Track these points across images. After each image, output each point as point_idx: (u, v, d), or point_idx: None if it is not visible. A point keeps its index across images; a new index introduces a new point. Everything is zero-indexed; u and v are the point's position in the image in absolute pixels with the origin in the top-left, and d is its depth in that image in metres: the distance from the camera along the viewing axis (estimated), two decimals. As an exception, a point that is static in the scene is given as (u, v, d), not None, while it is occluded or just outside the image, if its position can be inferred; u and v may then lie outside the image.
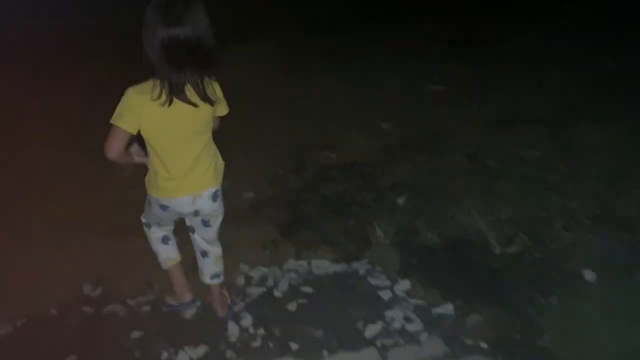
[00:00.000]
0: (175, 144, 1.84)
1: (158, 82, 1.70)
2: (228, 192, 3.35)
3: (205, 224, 2.09)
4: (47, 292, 2.52)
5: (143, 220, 2.23)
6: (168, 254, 2.29)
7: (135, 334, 2.26)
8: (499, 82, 4.78)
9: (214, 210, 2.04)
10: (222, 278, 2.30)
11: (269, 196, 3.30)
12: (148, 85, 1.72)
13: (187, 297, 2.38)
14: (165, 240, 2.25)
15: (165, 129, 1.79)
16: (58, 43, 5.93)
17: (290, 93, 4.87)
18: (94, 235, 2.92)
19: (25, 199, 3.28)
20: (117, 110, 1.74)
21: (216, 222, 2.12)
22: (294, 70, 5.35)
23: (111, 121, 1.74)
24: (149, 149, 1.88)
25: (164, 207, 1.99)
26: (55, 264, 2.71)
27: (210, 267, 2.24)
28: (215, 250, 2.23)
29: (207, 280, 2.27)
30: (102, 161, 1.82)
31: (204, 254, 2.22)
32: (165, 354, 2.16)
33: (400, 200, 3.12)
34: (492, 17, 6.59)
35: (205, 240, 2.17)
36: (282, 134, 4.12)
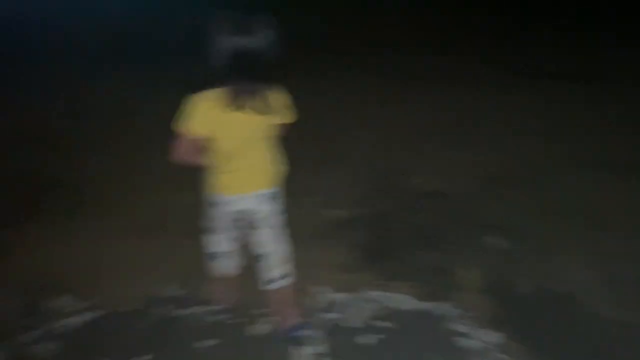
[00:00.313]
0: (235, 147, 1.95)
1: (224, 89, 1.83)
2: (311, 208, 3.35)
3: (261, 225, 2.12)
4: (133, 287, 2.58)
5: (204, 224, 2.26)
6: (219, 267, 2.30)
7: (210, 342, 2.24)
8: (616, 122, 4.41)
9: (269, 211, 2.11)
10: (282, 283, 2.21)
11: (353, 217, 3.21)
12: (212, 92, 1.85)
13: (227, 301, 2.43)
14: (212, 257, 2.28)
15: (228, 133, 1.91)
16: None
17: (386, 113, 4.78)
18: (184, 236, 2.97)
19: (120, 196, 3.41)
20: (183, 115, 1.86)
21: (273, 224, 2.14)
22: (390, 87, 5.25)
23: (176, 126, 1.87)
24: (210, 152, 1.97)
25: (213, 204, 2.10)
26: (144, 261, 2.77)
27: (264, 273, 2.21)
28: (274, 251, 2.17)
29: (265, 285, 2.24)
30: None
31: (259, 258, 2.20)
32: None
33: (496, 241, 2.91)
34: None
35: (263, 242, 2.16)
36: (375, 153, 4.02)
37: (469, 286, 2.58)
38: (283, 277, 2.21)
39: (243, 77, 1.82)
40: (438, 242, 2.93)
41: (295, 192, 3.45)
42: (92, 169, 3.76)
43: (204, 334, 2.29)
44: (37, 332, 2.30)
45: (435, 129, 4.43)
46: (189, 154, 1.94)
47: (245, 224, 2.15)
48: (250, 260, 2.31)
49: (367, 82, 5.54)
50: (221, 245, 2.22)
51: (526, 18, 8.37)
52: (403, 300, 2.49)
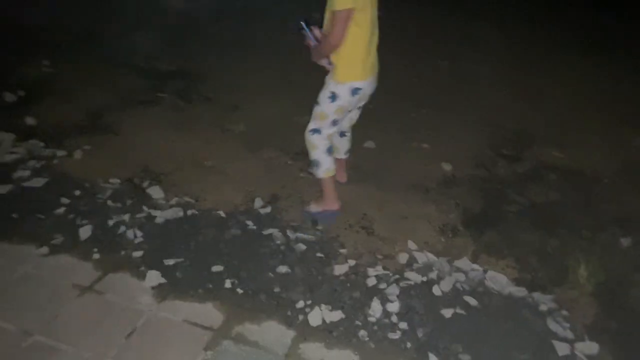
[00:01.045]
0: (370, 24, 2.12)
1: None
2: (425, 157, 3.14)
3: (360, 107, 2.45)
4: (222, 194, 2.59)
5: (313, 127, 2.35)
6: (329, 165, 2.44)
7: (282, 269, 2.20)
8: None
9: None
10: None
11: (467, 176, 2.94)
12: None
13: (337, 205, 2.52)
14: (329, 151, 2.41)
15: (368, 8, 2.07)
16: None
17: (531, 73, 4.28)
18: (287, 157, 2.94)
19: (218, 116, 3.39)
20: None
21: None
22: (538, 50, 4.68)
23: (339, 7, 1.97)
24: (352, 30, 2.07)
25: (356, 91, 2.22)
26: (240, 172, 2.77)
27: (346, 145, 2.65)
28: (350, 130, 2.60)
29: (342, 155, 2.67)
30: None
31: (343, 134, 2.60)
32: (300, 303, 2.05)
33: (625, 242, 2.51)
34: None
35: (352, 120, 2.54)
36: (508, 115, 3.64)
37: (575, 282, 2.26)
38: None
39: None
40: (553, 224, 2.60)
41: (412, 136, 3.27)
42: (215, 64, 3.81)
43: (281, 259, 2.25)
44: (127, 217, 2.39)
45: (589, 104, 3.89)
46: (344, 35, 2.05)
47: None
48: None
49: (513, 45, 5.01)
50: (329, 145, 2.40)
51: None
52: (497, 280, 2.25)
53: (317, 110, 2.30)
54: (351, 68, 2.16)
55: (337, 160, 2.56)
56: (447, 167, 3.01)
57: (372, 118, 3.45)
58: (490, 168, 3.03)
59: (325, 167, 2.42)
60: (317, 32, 2.20)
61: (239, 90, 3.60)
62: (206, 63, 3.90)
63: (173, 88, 3.55)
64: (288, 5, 3.12)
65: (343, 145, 2.64)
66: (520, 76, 4.35)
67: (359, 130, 3.03)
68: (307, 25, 2.18)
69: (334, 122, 2.32)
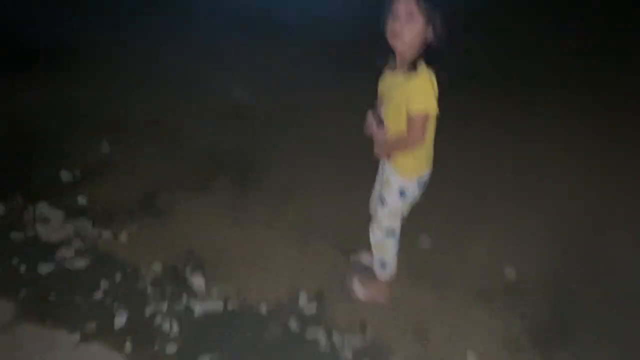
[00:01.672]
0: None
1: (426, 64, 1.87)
2: (488, 257, 2.92)
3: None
4: (266, 288, 2.46)
5: (387, 227, 2.23)
6: (395, 269, 2.38)
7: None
8: None
9: None
10: None
11: (534, 281, 2.69)
12: (425, 67, 1.87)
13: (386, 300, 2.46)
14: (397, 253, 2.34)
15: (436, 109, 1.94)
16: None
17: (608, 153, 4.04)
18: (333, 246, 2.79)
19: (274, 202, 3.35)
20: (423, 98, 1.86)
21: None
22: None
23: (421, 111, 1.87)
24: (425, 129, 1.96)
25: (423, 183, 2.15)
26: (287, 265, 2.66)
27: None
28: None
29: None
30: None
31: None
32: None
33: None
34: None
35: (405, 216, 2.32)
36: (581, 204, 3.37)
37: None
38: None
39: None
40: (631, 332, 2.28)
41: (472, 232, 3.07)
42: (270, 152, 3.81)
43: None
44: (165, 306, 2.28)
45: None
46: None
47: None
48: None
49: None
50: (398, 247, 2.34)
51: None
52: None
53: (385, 211, 2.19)
54: (419, 162, 2.10)
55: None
56: (511, 269, 2.76)
57: (427, 211, 3.29)
58: (561, 271, 2.76)
59: (392, 271, 2.39)
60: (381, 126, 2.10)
61: (295, 176, 3.53)
62: (265, 151, 3.90)
63: (228, 174, 3.54)
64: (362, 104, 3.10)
65: None
66: (596, 157, 4.07)
67: (412, 226, 2.85)
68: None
69: (402, 219, 2.26)
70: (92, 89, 4.62)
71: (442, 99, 1.89)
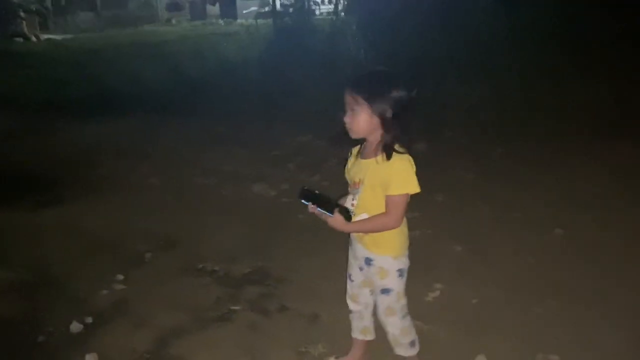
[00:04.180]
0: None
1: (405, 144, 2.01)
2: None
3: None
4: None
5: (401, 313, 2.27)
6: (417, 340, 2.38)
7: None
8: None
9: None
10: None
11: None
12: (402, 149, 2.00)
13: None
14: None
15: None
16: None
17: None
18: None
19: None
20: (405, 180, 1.98)
21: None
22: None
23: (404, 191, 1.99)
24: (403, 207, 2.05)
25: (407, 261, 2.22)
26: None
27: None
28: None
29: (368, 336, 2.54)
30: None
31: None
32: None
33: None
34: None
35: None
36: None
37: None
38: None
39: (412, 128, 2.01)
40: None
41: (537, 346, 2.65)
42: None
43: None
44: None
45: None
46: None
47: None
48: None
49: None
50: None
51: None
52: None
53: (392, 297, 2.22)
54: (405, 236, 2.19)
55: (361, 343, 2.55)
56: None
57: (481, 321, 2.91)
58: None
59: (418, 343, 2.38)
60: (349, 203, 2.16)
61: (322, 295, 3.24)
62: (288, 263, 3.64)
63: (249, 297, 3.27)
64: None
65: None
66: None
67: (466, 338, 2.71)
68: (311, 195, 2.13)
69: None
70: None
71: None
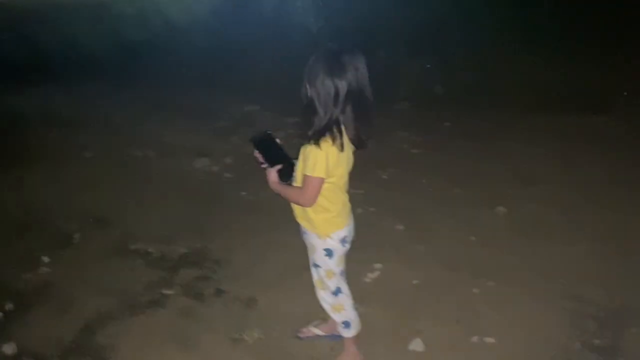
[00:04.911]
0: (346, 172, 2.12)
1: (334, 131, 1.96)
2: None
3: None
4: None
5: (332, 289, 2.30)
6: (357, 320, 2.41)
7: None
8: None
9: None
10: None
11: None
12: (326, 137, 1.96)
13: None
14: (353, 305, 2.40)
15: (342, 170, 2.08)
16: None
17: (618, 214, 3.69)
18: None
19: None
20: (314, 163, 1.97)
21: None
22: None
23: (309, 173, 1.99)
24: (327, 186, 2.06)
25: (344, 240, 2.22)
26: None
27: None
28: None
29: None
30: None
31: None
32: None
33: None
34: None
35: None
36: (594, 282, 3.04)
37: None
38: None
39: (359, 115, 1.98)
40: None
41: (473, 326, 2.74)
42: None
43: None
44: None
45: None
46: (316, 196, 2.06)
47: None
48: None
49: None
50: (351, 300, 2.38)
51: None
52: None
53: (321, 273, 2.28)
54: (332, 220, 2.18)
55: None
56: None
57: (419, 301, 2.92)
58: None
59: (356, 323, 2.41)
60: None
61: (260, 277, 3.17)
62: (227, 244, 3.54)
63: (183, 281, 3.17)
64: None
65: None
66: (604, 221, 3.72)
67: (403, 321, 2.73)
68: (265, 142, 2.13)
69: (342, 273, 2.31)
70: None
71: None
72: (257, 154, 2.14)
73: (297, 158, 2.16)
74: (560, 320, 2.80)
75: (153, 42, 8.49)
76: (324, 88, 1.92)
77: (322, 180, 2.01)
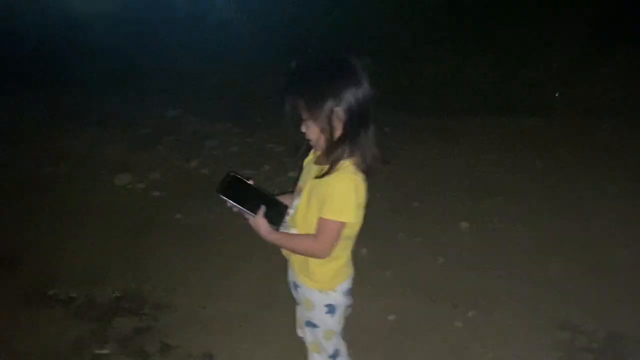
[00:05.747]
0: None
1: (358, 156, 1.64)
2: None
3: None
4: None
5: (329, 352, 1.92)
6: None
7: None
8: None
9: None
10: None
11: None
12: (352, 167, 1.63)
13: None
14: None
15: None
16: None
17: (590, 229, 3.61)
18: None
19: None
20: (340, 205, 1.61)
21: None
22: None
23: (336, 218, 1.61)
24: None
25: (348, 293, 1.87)
26: None
27: None
28: None
29: None
30: None
31: None
32: None
33: None
34: None
35: None
36: (584, 307, 2.88)
37: None
38: None
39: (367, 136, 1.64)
40: None
41: None
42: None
43: None
44: None
45: None
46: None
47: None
48: None
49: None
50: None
51: None
52: None
53: (318, 334, 1.89)
54: (340, 271, 1.82)
55: None
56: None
57: (398, 341, 2.62)
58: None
59: None
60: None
61: (212, 323, 2.72)
62: (167, 281, 3.05)
63: (119, 334, 2.65)
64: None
65: None
66: (570, 235, 3.61)
67: None
68: (235, 186, 1.71)
69: (340, 332, 1.95)
70: None
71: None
72: (230, 204, 1.70)
73: (273, 194, 1.80)
74: (555, 352, 2.61)
75: (54, 39, 7.59)
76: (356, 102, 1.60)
77: (344, 224, 1.65)
